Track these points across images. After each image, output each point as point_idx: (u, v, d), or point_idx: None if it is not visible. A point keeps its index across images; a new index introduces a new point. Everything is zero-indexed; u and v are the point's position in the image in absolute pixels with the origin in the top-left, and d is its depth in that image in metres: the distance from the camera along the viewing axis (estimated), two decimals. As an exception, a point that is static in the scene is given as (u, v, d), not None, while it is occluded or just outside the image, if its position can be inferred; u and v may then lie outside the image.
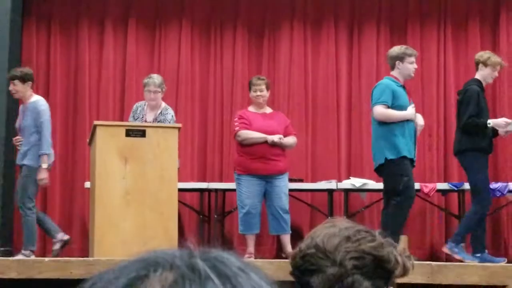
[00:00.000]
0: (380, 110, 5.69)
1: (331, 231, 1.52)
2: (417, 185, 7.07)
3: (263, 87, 6.55)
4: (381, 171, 5.77)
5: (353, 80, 8.10)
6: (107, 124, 5.82)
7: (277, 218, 6.47)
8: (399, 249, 1.59)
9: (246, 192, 6.44)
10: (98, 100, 8.09)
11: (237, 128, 6.52)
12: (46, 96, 8.11)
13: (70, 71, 8.16)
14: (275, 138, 6.37)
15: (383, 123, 5.69)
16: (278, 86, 8.07)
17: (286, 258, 6.42)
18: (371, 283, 1.49)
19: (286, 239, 6.55)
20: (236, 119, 6.60)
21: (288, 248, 6.53)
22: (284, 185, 6.49)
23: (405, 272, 1.56)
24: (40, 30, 8.19)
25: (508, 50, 7.91)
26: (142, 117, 6.33)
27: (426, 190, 6.96)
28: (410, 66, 5.87)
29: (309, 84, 8.08)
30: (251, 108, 6.64)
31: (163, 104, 6.44)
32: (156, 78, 6.43)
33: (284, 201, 6.47)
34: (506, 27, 7.95)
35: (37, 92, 8.09)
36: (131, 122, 6.04)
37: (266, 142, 6.38)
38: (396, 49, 5.97)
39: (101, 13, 8.21)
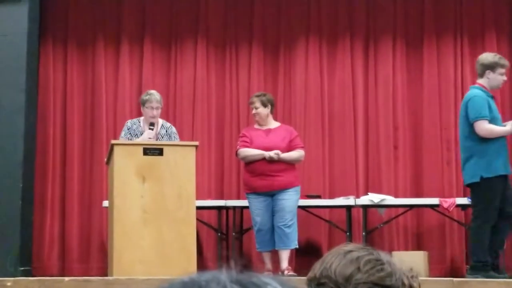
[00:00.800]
0: (484, 126, 5.59)
1: (342, 262, 1.55)
2: (436, 200, 7.04)
3: (258, 104, 6.60)
4: (473, 188, 5.72)
5: (369, 95, 8.07)
6: (125, 143, 5.84)
7: (279, 234, 6.44)
8: (406, 269, 1.61)
9: (254, 210, 6.52)
10: (115, 119, 8.11)
11: (238, 147, 6.62)
12: (63, 116, 8.17)
13: (87, 90, 8.20)
14: (272, 153, 6.39)
15: (481, 140, 5.61)
16: (294, 101, 8.07)
17: (282, 274, 6.36)
18: None
19: (284, 254, 6.49)
20: (242, 137, 6.68)
21: (284, 264, 6.46)
22: (288, 198, 6.45)
23: None
24: (57, 50, 8.25)
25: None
26: (142, 134, 6.23)
27: (445, 205, 6.90)
28: (500, 78, 5.76)
29: (325, 99, 8.06)
30: (256, 125, 6.70)
31: (161, 120, 6.41)
32: (156, 94, 6.37)
33: (286, 215, 6.42)
34: (523, 39, 7.91)
35: (54, 112, 8.16)
36: (148, 141, 6.01)
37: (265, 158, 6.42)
38: (489, 57, 5.85)
39: (116, 33, 8.25)
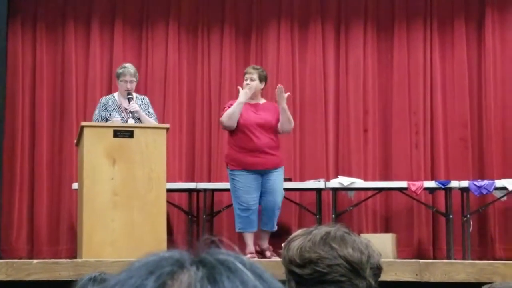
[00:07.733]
0: None
1: (355, 246, 1.73)
2: (404, 183, 7.12)
3: (255, 76, 6.30)
4: None
5: (340, 78, 8.12)
6: (95, 125, 5.81)
7: (269, 215, 6.28)
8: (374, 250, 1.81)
9: (243, 187, 6.16)
10: (85, 100, 8.06)
11: (222, 115, 6.31)
12: (32, 97, 8.09)
13: (57, 72, 8.13)
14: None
15: None
16: (266, 84, 8.06)
17: (260, 252, 6.36)
18: None
19: (267, 234, 6.41)
20: (226, 107, 6.34)
21: (266, 244, 6.41)
22: (279, 179, 6.30)
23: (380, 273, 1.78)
24: (26, 30, 8.16)
25: (494, 48, 7.95)
26: (119, 107, 6.10)
27: (413, 188, 6.99)
28: None
29: (296, 83, 8.09)
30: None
31: (134, 94, 6.24)
32: (130, 67, 6.22)
33: (279, 196, 6.29)
34: (491, 25, 7.99)
35: (23, 93, 8.08)
36: (119, 123, 5.93)
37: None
38: None
39: (87, 14, 8.18)
